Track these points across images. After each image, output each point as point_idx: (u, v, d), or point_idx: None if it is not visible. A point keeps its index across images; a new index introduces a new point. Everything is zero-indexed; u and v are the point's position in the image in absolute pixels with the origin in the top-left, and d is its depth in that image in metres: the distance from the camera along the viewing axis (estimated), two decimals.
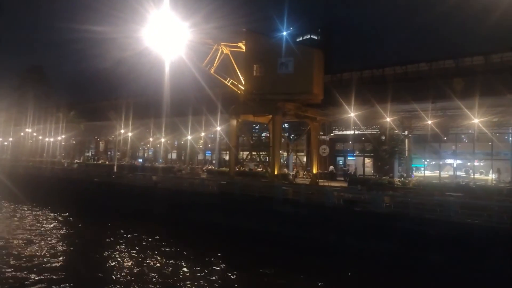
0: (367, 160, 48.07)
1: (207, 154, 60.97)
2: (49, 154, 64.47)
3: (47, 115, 59.23)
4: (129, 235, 24.45)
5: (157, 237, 23.90)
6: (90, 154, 74.49)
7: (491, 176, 33.38)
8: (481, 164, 37.75)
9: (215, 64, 29.15)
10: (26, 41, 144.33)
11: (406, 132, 33.60)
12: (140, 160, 62.71)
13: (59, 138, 61.25)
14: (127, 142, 52.47)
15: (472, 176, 33.64)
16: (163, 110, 36.14)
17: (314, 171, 29.29)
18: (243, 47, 28.05)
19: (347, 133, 41.16)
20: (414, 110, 28.79)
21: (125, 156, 58.89)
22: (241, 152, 51.14)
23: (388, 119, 28.49)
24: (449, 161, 40.39)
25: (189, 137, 45.41)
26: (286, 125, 45.21)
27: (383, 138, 35.93)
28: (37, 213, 31.16)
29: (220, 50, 28.59)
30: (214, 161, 57.99)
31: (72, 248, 21.46)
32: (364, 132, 38.38)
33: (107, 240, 23.23)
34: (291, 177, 34.80)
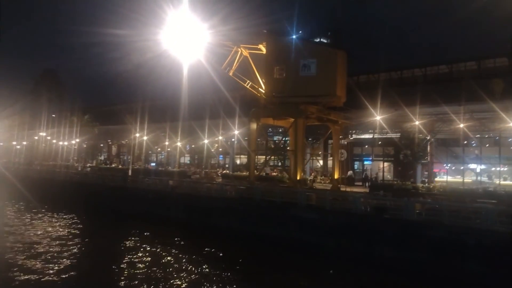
0: (384, 165, 47.09)
1: (219, 158, 60.35)
2: (62, 158, 64.49)
3: (61, 118, 59.25)
4: (147, 241, 23.85)
5: (176, 242, 23.32)
6: (102, 158, 74.43)
7: None
8: (505, 169, 36.56)
9: (234, 67, 28.55)
10: (46, 45, 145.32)
11: (429, 136, 32.61)
12: (153, 164, 62.43)
13: (73, 141, 61.16)
14: (141, 146, 52.06)
15: (498, 182, 32.47)
16: (179, 114, 35.60)
17: (336, 176, 28.41)
18: (264, 49, 27.41)
19: (366, 137, 40.17)
20: (440, 113, 27.78)
21: (138, 160, 58.59)
22: (256, 157, 50.47)
23: (417, 122, 27.52)
24: (470, 166, 39.19)
25: (206, 141, 44.83)
26: None
27: (402, 142, 35.17)
28: (52, 218, 30.66)
29: (240, 52, 28.00)
30: (227, 165, 57.43)
31: (88, 254, 20.80)
32: (383, 136, 37.42)
33: (125, 246, 22.62)
34: (309, 182, 34.00)
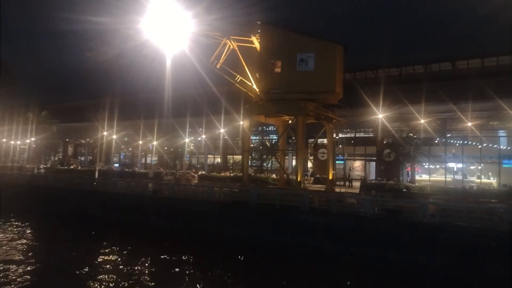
0: (357, 164, 47.02)
1: (186, 159, 57.39)
2: (11, 159, 58.36)
3: (13, 115, 53.28)
4: (128, 253, 21.11)
5: (162, 253, 20.75)
6: (56, 159, 68.33)
7: (496, 180, 33.07)
8: (479, 167, 37.52)
9: (221, 60, 26.39)
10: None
11: (414, 135, 32.61)
12: (117, 165, 58.19)
13: (28, 141, 55.30)
14: (106, 145, 47.90)
15: (479, 180, 33.09)
16: (155, 110, 32.73)
17: (330, 176, 27.29)
18: (256, 42, 25.57)
19: (350, 136, 39.69)
20: (444, 111, 27.56)
21: (98, 160, 54.10)
22: (233, 156, 48.49)
23: (422, 121, 27.12)
24: (447, 164, 39.86)
25: (186, 140, 42.03)
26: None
27: (385, 141, 35.15)
28: (7, 229, 26.53)
29: (228, 45, 25.94)
30: (198, 166, 54.80)
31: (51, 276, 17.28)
32: (367, 135, 37.12)
33: (98, 264, 19.21)
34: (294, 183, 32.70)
